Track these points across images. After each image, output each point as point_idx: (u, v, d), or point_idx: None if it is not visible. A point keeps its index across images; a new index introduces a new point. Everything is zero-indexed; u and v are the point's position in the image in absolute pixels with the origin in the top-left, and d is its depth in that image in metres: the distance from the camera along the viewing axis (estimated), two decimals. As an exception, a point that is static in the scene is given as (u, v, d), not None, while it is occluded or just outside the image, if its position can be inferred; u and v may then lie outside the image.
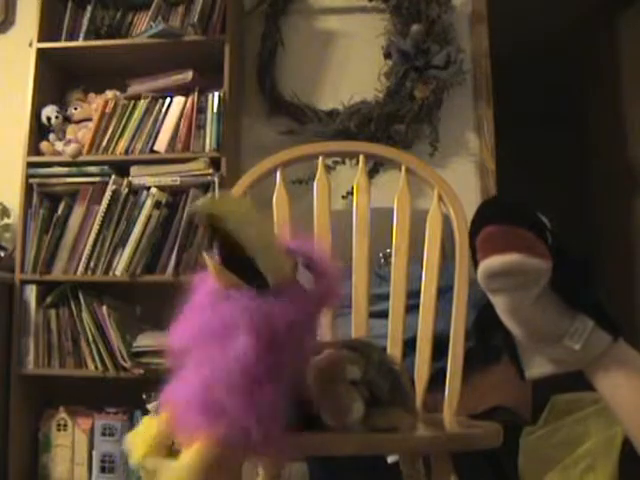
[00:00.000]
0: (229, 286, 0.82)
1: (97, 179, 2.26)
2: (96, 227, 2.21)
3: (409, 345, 1.24)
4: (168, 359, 0.84)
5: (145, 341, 2.17)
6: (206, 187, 2.20)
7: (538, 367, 0.79)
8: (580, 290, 0.76)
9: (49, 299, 2.23)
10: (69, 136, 2.34)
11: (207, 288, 0.85)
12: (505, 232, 0.75)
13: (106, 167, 2.25)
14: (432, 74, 2.34)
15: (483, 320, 0.85)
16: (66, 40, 2.41)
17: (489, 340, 0.90)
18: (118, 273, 2.18)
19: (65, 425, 2.20)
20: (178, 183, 2.20)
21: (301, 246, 0.89)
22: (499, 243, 0.74)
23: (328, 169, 1.65)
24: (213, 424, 0.77)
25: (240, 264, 0.80)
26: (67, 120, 2.39)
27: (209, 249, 0.82)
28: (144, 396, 2.11)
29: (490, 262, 0.74)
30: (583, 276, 0.77)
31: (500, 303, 0.77)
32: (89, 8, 2.42)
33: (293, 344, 0.82)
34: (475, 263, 0.79)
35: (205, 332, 0.81)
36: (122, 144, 2.28)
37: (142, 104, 2.31)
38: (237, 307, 0.80)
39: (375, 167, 2.30)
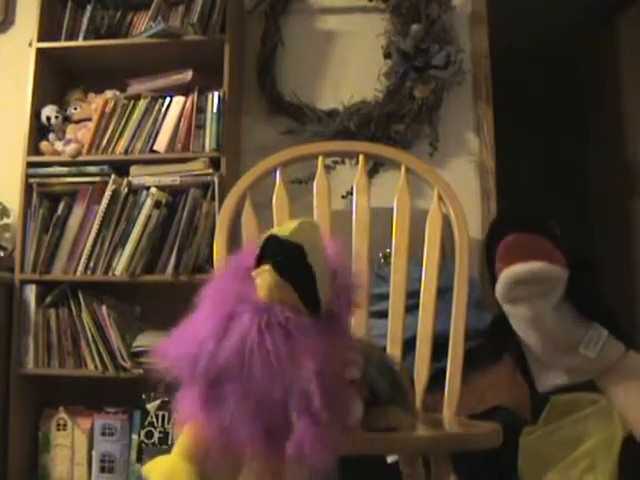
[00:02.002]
0: (283, 302, 0.81)
1: (97, 179, 2.25)
2: (96, 227, 2.21)
3: (409, 345, 1.24)
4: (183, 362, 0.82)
5: (145, 341, 2.16)
6: (206, 187, 2.20)
7: (552, 379, 0.79)
8: (594, 300, 0.76)
9: (49, 299, 2.23)
10: (69, 136, 2.34)
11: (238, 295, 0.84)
12: (526, 241, 0.76)
13: (106, 167, 2.25)
14: (432, 74, 2.34)
15: (496, 336, 0.86)
16: (66, 40, 2.41)
17: (501, 354, 0.91)
18: (118, 273, 2.18)
19: (65, 425, 2.20)
20: (178, 183, 2.20)
21: (331, 258, 0.88)
22: (521, 252, 0.75)
23: (328, 169, 1.65)
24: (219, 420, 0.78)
25: (301, 286, 0.81)
26: (67, 120, 2.39)
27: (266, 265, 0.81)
28: (144, 396, 2.12)
29: (515, 269, 0.75)
30: (593, 284, 0.78)
31: (520, 312, 0.77)
32: (89, 8, 2.42)
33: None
34: (491, 272, 0.80)
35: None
36: (122, 144, 2.28)
37: (142, 104, 2.31)
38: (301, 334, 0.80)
39: (375, 167, 2.30)
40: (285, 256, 0.80)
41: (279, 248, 0.80)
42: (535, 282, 0.74)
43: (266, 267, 0.80)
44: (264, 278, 0.81)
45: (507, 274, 0.76)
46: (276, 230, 0.81)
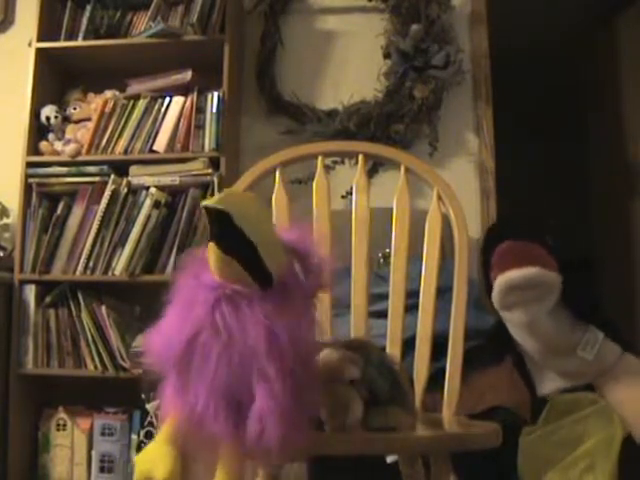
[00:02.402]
0: (233, 279, 0.82)
1: (96, 179, 2.25)
2: (95, 227, 2.21)
3: (408, 345, 1.24)
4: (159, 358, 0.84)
5: (144, 341, 2.16)
6: (205, 187, 2.20)
7: (551, 383, 0.80)
8: (590, 303, 0.77)
9: (48, 299, 2.23)
10: (68, 136, 2.34)
11: (198, 282, 0.85)
12: (520, 248, 0.77)
13: (105, 167, 2.25)
14: (431, 74, 2.34)
15: (496, 342, 0.86)
16: (65, 40, 2.41)
17: (502, 359, 0.92)
18: (117, 273, 2.18)
19: (64, 425, 2.20)
20: (177, 183, 2.20)
21: (293, 238, 0.89)
22: (515, 258, 0.76)
23: (327, 169, 1.65)
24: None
25: (244, 259, 0.80)
26: (66, 120, 2.39)
27: (210, 243, 0.82)
28: (143, 396, 2.11)
29: (509, 275, 0.76)
30: (590, 287, 0.78)
31: (517, 317, 0.79)
32: (88, 8, 2.42)
33: (297, 344, 0.82)
34: (487, 278, 0.80)
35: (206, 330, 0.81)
36: (121, 144, 2.28)
37: (141, 104, 2.31)
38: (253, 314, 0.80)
39: (374, 167, 2.30)
40: (218, 228, 0.81)
41: (213, 220, 0.81)
42: (529, 287, 0.76)
43: (211, 244, 0.82)
44: (210, 257, 0.83)
45: (502, 280, 0.78)
46: (205, 201, 0.82)
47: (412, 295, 1.26)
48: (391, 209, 1.30)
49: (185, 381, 0.81)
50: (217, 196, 0.80)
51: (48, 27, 2.42)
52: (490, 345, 0.90)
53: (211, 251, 0.82)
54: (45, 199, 2.29)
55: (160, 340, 0.85)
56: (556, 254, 0.78)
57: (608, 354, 0.75)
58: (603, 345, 0.75)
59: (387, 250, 1.69)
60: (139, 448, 2.11)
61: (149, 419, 2.10)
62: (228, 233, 0.80)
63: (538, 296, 0.75)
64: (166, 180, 2.20)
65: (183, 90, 2.31)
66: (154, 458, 0.81)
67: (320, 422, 0.88)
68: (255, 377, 0.79)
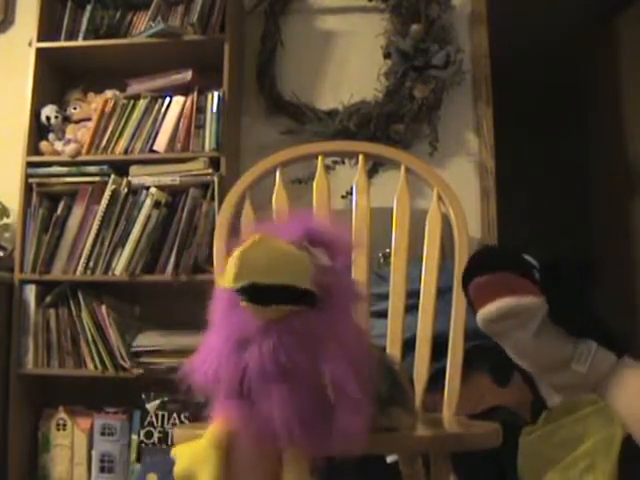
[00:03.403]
0: (281, 317, 0.81)
1: (96, 179, 2.25)
2: (95, 227, 2.21)
3: (408, 345, 1.24)
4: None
5: (144, 341, 2.16)
6: (205, 187, 2.20)
7: (557, 396, 0.81)
8: (578, 316, 0.78)
9: (48, 299, 2.23)
10: (68, 136, 2.34)
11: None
12: (491, 280, 0.79)
13: (105, 167, 2.25)
14: (432, 74, 2.34)
15: (501, 363, 0.88)
16: (65, 40, 2.41)
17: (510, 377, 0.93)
18: (117, 273, 2.18)
19: (64, 425, 2.20)
20: (177, 183, 2.20)
21: (300, 229, 0.88)
22: (488, 291, 0.78)
23: (327, 169, 1.64)
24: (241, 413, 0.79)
25: (285, 301, 0.80)
26: (66, 120, 2.39)
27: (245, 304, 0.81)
28: (143, 396, 2.12)
29: (485, 311, 0.79)
30: (578, 301, 0.79)
31: (505, 345, 0.80)
32: (88, 8, 2.42)
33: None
34: (473, 310, 0.82)
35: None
36: (121, 144, 2.28)
37: (141, 104, 2.31)
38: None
39: (374, 167, 2.30)
40: (248, 294, 0.79)
41: (244, 292, 0.80)
42: (507, 317, 0.77)
43: (243, 304, 0.80)
44: (251, 312, 0.81)
45: (479, 317, 0.80)
46: (224, 282, 0.80)
47: (412, 295, 1.26)
48: (391, 209, 1.30)
49: (245, 402, 0.80)
50: (235, 272, 0.78)
51: (48, 27, 2.42)
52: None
53: (249, 309, 0.81)
54: (45, 199, 2.29)
55: (212, 369, 0.83)
56: (540, 272, 0.79)
57: (602, 363, 0.75)
58: (597, 354, 0.75)
59: (387, 250, 1.69)
60: (139, 448, 2.11)
61: (149, 419, 2.10)
62: (258, 293, 0.79)
63: (519, 323, 0.77)
64: (166, 180, 2.20)
65: (183, 90, 2.31)
66: (199, 459, 0.81)
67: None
68: (333, 392, 0.79)
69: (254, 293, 0.79)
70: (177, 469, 0.82)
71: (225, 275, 0.80)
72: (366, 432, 0.78)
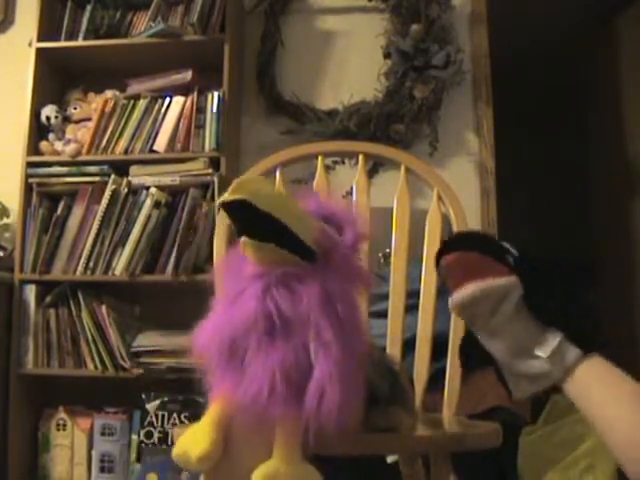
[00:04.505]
0: (278, 263, 0.80)
1: (96, 179, 2.25)
2: (95, 227, 2.21)
3: (408, 345, 1.24)
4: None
5: (144, 341, 2.16)
6: (205, 187, 2.20)
7: (522, 386, 0.80)
8: (549, 306, 0.77)
9: (48, 299, 2.23)
10: (68, 136, 2.34)
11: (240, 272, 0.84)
12: (462, 258, 0.79)
13: (105, 167, 2.25)
14: (432, 74, 2.34)
15: (466, 345, 0.87)
16: (65, 40, 2.41)
17: (472, 363, 0.93)
18: (117, 273, 2.18)
19: (64, 425, 2.20)
20: (177, 183, 2.20)
21: (312, 206, 0.88)
22: (460, 271, 0.78)
23: (327, 169, 1.64)
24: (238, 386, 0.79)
25: (281, 241, 0.79)
26: (66, 120, 2.39)
27: (239, 236, 0.80)
28: (143, 396, 2.12)
29: (454, 299, 0.79)
30: (556, 290, 0.79)
31: (478, 329, 0.80)
32: (88, 8, 2.42)
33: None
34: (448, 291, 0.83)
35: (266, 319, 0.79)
36: (121, 144, 2.28)
37: (141, 104, 2.31)
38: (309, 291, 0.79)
39: (374, 167, 2.30)
40: (244, 218, 0.79)
41: (235, 213, 0.79)
42: (476, 303, 0.77)
43: (243, 239, 0.80)
44: (247, 250, 0.81)
45: (450, 305, 0.80)
46: (222, 197, 0.80)
47: (412, 295, 1.26)
48: (391, 209, 1.30)
49: (237, 369, 0.80)
50: (230, 189, 0.77)
51: (48, 27, 2.42)
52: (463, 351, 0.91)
53: (246, 245, 0.80)
54: (45, 199, 2.29)
55: (207, 335, 0.83)
56: (518, 256, 0.79)
57: (567, 354, 0.75)
58: (561, 345, 0.75)
59: (387, 250, 1.69)
60: (139, 448, 2.11)
61: (149, 419, 2.10)
62: (256, 221, 0.78)
63: (491, 306, 0.77)
64: (166, 180, 2.20)
65: (183, 90, 2.31)
66: (195, 438, 0.81)
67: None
68: (314, 348, 0.78)
69: (251, 223, 0.78)
70: (174, 451, 0.82)
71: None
72: (343, 391, 0.77)
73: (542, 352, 0.75)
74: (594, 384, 0.75)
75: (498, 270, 0.77)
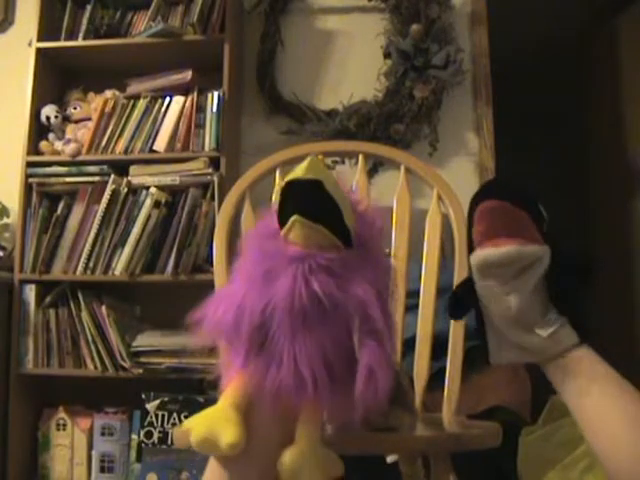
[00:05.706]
0: (320, 245, 0.78)
1: (96, 179, 2.25)
2: (95, 227, 2.21)
3: (408, 345, 1.24)
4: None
5: (144, 341, 2.16)
6: (205, 187, 2.20)
7: (506, 352, 0.79)
8: (565, 287, 0.76)
9: (48, 299, 2.23)
10: (68, 136, 2.34)
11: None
12: (503, 210, 0.75)
13: (105, 167, 2.25)
14: (432, 74, 2.34)
15: (459, 298, 0.85)
16: (65, 40, 2.41)
17: (460, 317, 0.91)
18: (117, 273, 2.18)
19: (64, 425, 2.20)
20: (177, 183, 2.20)
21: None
22: (495, 225, 0.74)
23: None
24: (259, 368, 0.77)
25: (332, 224, 0.78)
26: (66, 120, 2.39)
27: (290, 214, 0.77)
28: (143, 396, 2.11)
29: (486, 255, 0.74)
30: (571, 275, 0.77)
31: (489, 287, 0.76)
32: (88, 8, 2.42)
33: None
34: (469, 238, 0.79)
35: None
36: (121, 144, 2.28)
37: (141, 104, 2.31)
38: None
39: (374, 167, 2.30)
40: (308, 198, 0.77)
41: (301, 191, 0.77)
42: (507, 265, 0.74)
43: (293, 218, 0.77)
44: (296, 230, 0.78)
45: (478, 259, 0.75)
46: (290, 176, 0.77)
47: (412, 295, 1.26)
48: (391, 209, 1.30)
49: (267, 353, 0.76)
50: (304, 168, 0.75)
51: (48, 27, 2.42)
52: (453, 297, 0.88)
53: (297, 223, 0.77)
54: (45, 199, 2.29)
55: (231, 312, 0.78)
56: (544, 228, 0.77)
57: (564, 338, 0.74)
58: (562, 328, 0.74)
59: (387, 250, 1.69)
60: (139, 448, 2.11)
61: (149, 419, 2.10)
62: (318, 203, 0.77)
63: (516, 272, 0.74)
64: (166, 180, 2.20)
65: (183, 90, 2.31)
66: (220, 421, 0.75)
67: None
68: (358, 336, 0.76)
69: (312, 203, 0.76)
70: (195, 437, 0.75)
71: (291, 172, 0.77)
72: (389, 377, 0.76)
73: (543, 332, 0.74)
74: (581, 372, 0.74)
75: (533, 234, 0.75)
